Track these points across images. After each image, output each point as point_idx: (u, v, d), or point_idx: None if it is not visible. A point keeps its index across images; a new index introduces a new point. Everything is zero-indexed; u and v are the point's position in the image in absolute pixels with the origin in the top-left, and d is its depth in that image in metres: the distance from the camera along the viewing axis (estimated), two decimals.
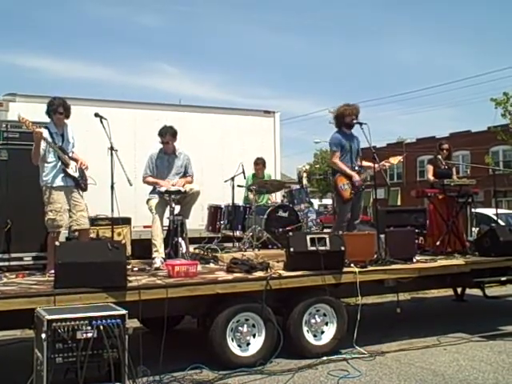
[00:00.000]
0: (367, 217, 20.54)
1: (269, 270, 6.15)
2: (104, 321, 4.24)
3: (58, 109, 6.28)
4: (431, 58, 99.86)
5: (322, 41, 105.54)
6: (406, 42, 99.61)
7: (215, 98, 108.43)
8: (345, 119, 7.57)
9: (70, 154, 6.41)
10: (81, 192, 6.44)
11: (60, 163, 6.21)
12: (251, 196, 8.81)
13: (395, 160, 7.75)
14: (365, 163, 7.78)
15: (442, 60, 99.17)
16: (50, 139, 6.15)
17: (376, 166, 7.22)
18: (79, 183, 6.38)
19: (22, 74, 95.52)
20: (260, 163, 9.56)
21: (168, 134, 7.16)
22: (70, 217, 6.30)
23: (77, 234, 6.51)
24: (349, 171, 7.47)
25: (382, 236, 7.04)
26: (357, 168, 7.60)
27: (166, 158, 7.23)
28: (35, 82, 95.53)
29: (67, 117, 6.40)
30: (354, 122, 7.47)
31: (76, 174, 6.34)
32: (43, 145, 6.09)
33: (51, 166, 6.19)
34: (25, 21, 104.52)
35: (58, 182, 6.21)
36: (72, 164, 6.33)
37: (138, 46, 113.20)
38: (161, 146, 7.25)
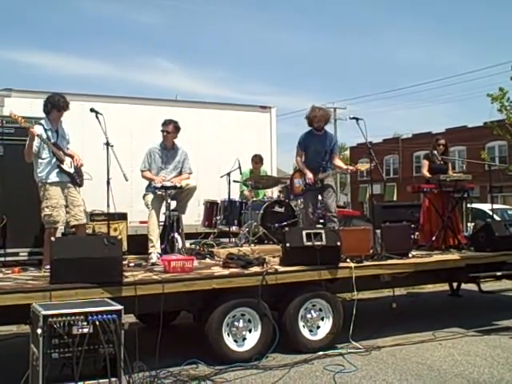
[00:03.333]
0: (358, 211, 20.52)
1: (265, 265, 6.15)
2: (100, 316, 4.24)
3: (64, 106, 6.28)
4: (427, 54, 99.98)
5: (318, 37, 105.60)
6: (402, 38, 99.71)
7: (213, 93, 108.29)
8: (314, 124, 7.79)
9: (65, 150, 6.40)
10: (77, 188, 6.43)
11: (54, 159, 6.19)
12: (246, 192, 8.83)
13: (363, 167, 8.15)
14: (338, 163, 7.98)
15: (438, 56, 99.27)
16: (44, 135, 6.13)
17: (345, 167, 7.97)
18: (74, 179, 6.37)
19: (18, 69, 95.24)
20: (257, 160, 9.59)
21: (171, 125, 7.18)
22: (68, 212, 6.29)
23: (73, 229, 6.50)
24: (304, 170, 7.76)
25: (378, 231, 7.05)
26: (322, 167, 7.76)
27: (164, 153, 7.22)
28: (32, 78, 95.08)
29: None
30: (322, 126, 7.75)
31: (71, 170, 6.33)
32: (37, 141, 6.07)
33: (46, 162, 6.17)
34: (21, 16, 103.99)
35: (53, 177, 6.19)
36: (67, 160, 6.31)
37: (136, 42, 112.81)
38: (159, 141, 7.25)
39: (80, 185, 6.47)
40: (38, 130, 6.07)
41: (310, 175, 7.68)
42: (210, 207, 8.64)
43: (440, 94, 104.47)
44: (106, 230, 6.69)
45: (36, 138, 6.02)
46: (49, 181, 6.16)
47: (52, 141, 6.22)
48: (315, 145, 7.79)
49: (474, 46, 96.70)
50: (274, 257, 6.71)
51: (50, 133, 6.24)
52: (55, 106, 6.25)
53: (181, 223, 7.16)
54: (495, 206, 13.15)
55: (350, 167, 8.07)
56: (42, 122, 6.26)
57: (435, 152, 8.73)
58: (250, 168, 9.60)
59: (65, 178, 6.28)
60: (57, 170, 6.21)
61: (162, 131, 7.19)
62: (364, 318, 6.29)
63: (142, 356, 4.94)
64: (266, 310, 5.84)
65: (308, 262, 6.11)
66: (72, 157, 6.40)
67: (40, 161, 6.17)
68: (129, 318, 6.66)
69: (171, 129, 7.17)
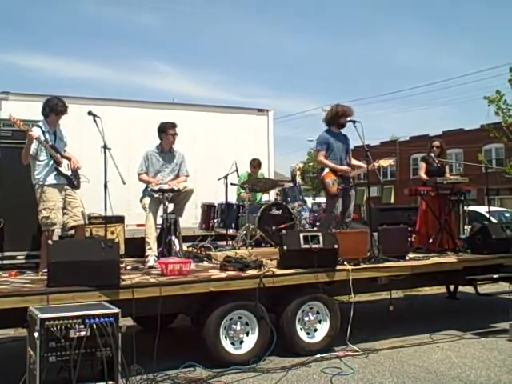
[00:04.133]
0: (356, 214, 20.52)
1: (262, 268, 6.16)
2: (97, 319, 4.25)
3: (62, 110, 6.29)
4: (424, 57, 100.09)
5: (317, 40, 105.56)
6: (400, 40, 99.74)
7: (210, 96, 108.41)
8: (340, 119, 7.67)
9: (63, 153, 6.40)
10: (74, 190, 6.43)
11: (52, 162, 6.20)
12: (243, 194, 8.84)
13: (386, 163, 7.92)
14: (355, 162, 7.90)
15: (435, 58, 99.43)
16: (42, 138, 6.14)
17: (365, 166, 7.45)
18: (72, 181, 6.37)
19: (17, 72, 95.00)
20: (255, 165, 9.65)
21: (176, 128, 7.25)
22: (66, 214, 6.29)
23: (72, 231, 6.50)
24: (336, 166, 7.57)
25: (375, 234, 7.05)
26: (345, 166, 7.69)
27: (161, 156, 7.23)
28: (30, 81, 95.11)
29: None
30: (347, 121, 7.55)
31: (68, 173, 6.33)
32: (35, 144, 6.08)
33: (43, 165, 6.18)
34: (20, 19, 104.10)
35: (51, 180, 6.19)
36: (64, 162, 6.32)
37: (134, 45, 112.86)
38: (156, 143, 7.26)
39: (77, 187, 6.47)
40: (36, 132, 6.07)
41: (346, 168, 7.56)
42: (208, 210, 8.64)
43: (437, 97, 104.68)
44: (104, 233, 6.69)
45: (34, 140, 6.02)
46: (46, 183, 6.16)
47: (50, 143, 6.22)
48: (337, 144, 7.70)
49: (471, 49, 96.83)
50: (271, 259, 6.71)
51: (47, 135, 6.24)
52: (53, 109, 6.26)
53: (178, 226, 7.16)
54: (492, 209, 13.19)
55: (373, 164, 7.46)
56: (40, 124, 6.26)
57: (432, 154, 8.75)
58: (248, 171, 9.64)
59: (62, 180, 6.28)
60: (54, 172, 6.21)
61: (173, 134, 7.21)
62: (361, 320, 6.29)
63: (140, 359, 4.93)
64: (263, 313, 5.84)
65: (305, 264, 6.12)
66: (69, 159, 6.41)
67: (37, 163, 6.17)
68: (126, 321, 6.67)
69: (176, 131, 7.24)
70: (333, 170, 7.58)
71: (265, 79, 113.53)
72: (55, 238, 6.36)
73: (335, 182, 7.52)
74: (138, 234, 8.22)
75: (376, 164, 7.67)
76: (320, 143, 7.74)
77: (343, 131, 7.87)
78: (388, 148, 45.39)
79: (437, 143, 8.86)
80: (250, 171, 9.69)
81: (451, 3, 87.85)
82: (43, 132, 6.20)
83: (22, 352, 4.58)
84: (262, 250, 7.52)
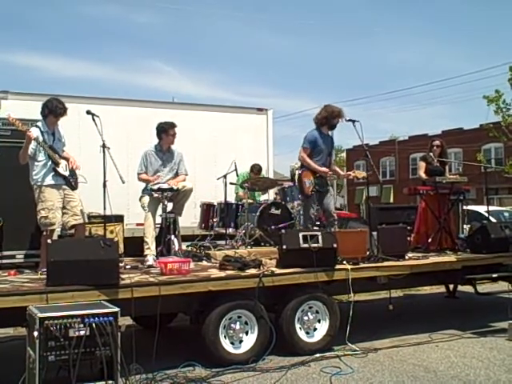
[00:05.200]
0: (355, 214, 20.60)
1: (261, 268, 6.16)
2: (96, 318, 4.24)
3: (62, 113, 6.28)
4: (423, 56, 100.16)
5: (315, 40, 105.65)
6: (399, 40, 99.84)
7: (210, 96, 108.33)
8: (334, 120, 7.69)
9: (61, 153, 6.39)
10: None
11: (50, 162, 6.19)
12: (241, 193, 8.86)
13: (360, 175, 8.11)
14: (334, 167, 8.00)
15: (434, 58, 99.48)
16: (40, 138, 6.13)
17: (343, 174, 8.08)
18: (69, 182, 6.36)
19: (16, 71, 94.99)
20: (255, 171, 9.71)
21: (175, 128, 7.25)
22: (66, 213, 6.28)
23: (72, 230, 6.50)
24: (316, 166, 7.56)
25: (375, 233, 7.06)
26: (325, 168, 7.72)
27: (160, 155, 7.23)
28: (29, 80, 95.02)
29: None
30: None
31: (66, 173, 6.32)
32: (33, 144, 6.07)
33: (41, 165, 6.17)
34: (19, 18, 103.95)
35: (49, 180, 6.19)
36: (62, 163, 6.31)
37: (135, 45, 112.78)
38: (155, 143, 7.26)
39: (75, 188, 6.45)
40: (34, 132, 6.06)
41: (325, 169, 7.57)
42: (207, 209, 8.65)
43: (436, 96, 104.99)
44: (103, 232, 6.68)
45: (32, 141, 6.01)
46: (44, 183, 6.16)
47: (48, 143, 6.21)
48: (323, 145, 7.70)
49: (470, 48, 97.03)
50: (270, 259, 6.71)
51: (46, 135, 6.24)
52: (52, 112, 6.25)
53: (177, 225, 7.15)
54: (491, 208, 13.17)
55: (348, 173, 7.98)
56: (39, 124, 6.26)
57: (431, 154, 8.75)
58: (247, 171, 9.66)
59: (60, 180, 6.28)
60: (52, 172, 6.20)
61: (173, 134, 7.21)
62: (361, 319, 6.29)
63: (139, 358, 4.93)
64: (262, 312, 5.84)
65: (304, 264, 6.11)
66: (67, 159, 6.40)
67: (36, 163, 6.17)
68: (125, 321, 6.67)
69: (175, 131, 7.24)
70: (312, 171, 7.58)
71: (264, 78, 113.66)
72: (55, 237, 6.35)
73: (311, 184, 7.54)
74: (137, 233, 8.22)
75: (352, 174, 8.07)
76: (309, 141, 7.67)
77: (331, 133, 7.95)
78: (387, 147, 45.46)
79: (437, 143, 8.86)
80: (250, 176, 9.71)
81: (451, 2, 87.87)
82: (42, 132, 6.19)
83: (21, 351, 4.57)
84: (261, 249, 7.53)
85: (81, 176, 6.54)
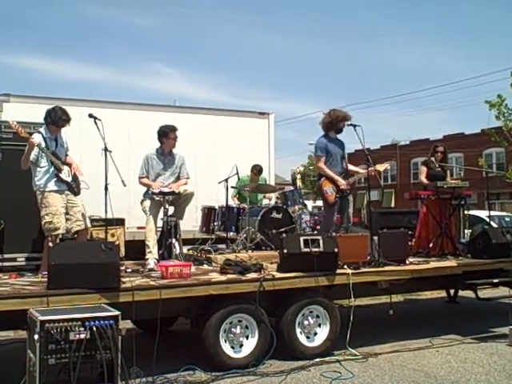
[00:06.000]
0: (356, 218, 20.60)
1: (262, 272, 6.16)
2: (97, 322, 4.24)
3: (64, 124, 6.30)
4: (425, 61, 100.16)
5: (317, 42, 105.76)
6: (401, 44, 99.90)
7: (212, 99, 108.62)
8: (340, 124, 7.68)
9: (63, 159, 6.39)
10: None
11: (53, 168, 6.19)
12: (234, 199, 8.94)
13: (381, 167, 7.80)
14: (352, 167, 7.92)
15: (436, 62, 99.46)
16: (43, 144, 6.13)
17: (364, 171, 7.53)
18: (72, 188, 6.36)
19: (17, 74, 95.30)
20: (255, 172, 9.70)
21: (177, 131, 7.24)
22: (69, 219, 6.28)
23: (76, 235, 6.49)
24: (334, 176, 7.57)
25: (376, 238, 7.05)
26: (345, 173, 7.70)
27: (161, 159, 7.23)
28: (30, 83, 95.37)
29: None
30: (349, 125, 7.55)
31: (69, 179, 6.32)
32: (36, 150, 6.07)
33: (44, 171, 6.18)
34: (20, 21, 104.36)
35: (51, 186, 6.19)
36: (65, 169, 6.31)
37: (135, 47, 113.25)
38: (156, 146, 7.26)
39: (77, 193, 6.45)
40: (37, 139, 6.06)
41: (342, 181, 7.54)
42: (208, 213, 8.65)
43: (438, 101, 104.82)
44: (104, 236, 6.69)
45: (35, 147, 6.02)
46: (47, 189, 6.16)
47: (51, 149, 6.21)
48: (335, 149, 7.71)
49: (472, 53, 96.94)
50: (271, 263, 6.71)
51: (48, 141, 6.24)
52: (55, 123, 6.27)
53: (178, 229, 7.16)
54: (492, 213, 13.18)
55: (370, 169, 7.40)
56: (42, 130, 6.27)
57: (433, 159, 8.75)
58: (248, 175, 9.66)
59: (63, 186, 6.27)
60: (55, 178, 6.21)
61: (175, 138, 7.21)
62: (361, 324, 6.28)
63: (139, 362, 4.94)
64: (263, 317, 5.84)
65: (305, 268, 6.11)
66: (70, 165, 6.40)
67: (38, 169, 6.17)
68: (126, 324, 6.66)
69: (176, 135, 7.25)
70: (330, 178, 7.59)
71: (266, 82, 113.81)
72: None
73: (333, 191, 7.53)
74: (138, 236, 8.23)
75: (374, 169, 7.66)
76: (320, 149, 7.72)
77: (339, 136, 7.89)
78: (388, 152, 45.43)
79: (441, 149, 8.84)
80: (250, 176, 9.71)
81: (453, 6, 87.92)
82: (44, 138, 6.19)
83: (21, 354, 4.58)
84: (262, 253, 7.52)
85: (83, 182, 6.55)
